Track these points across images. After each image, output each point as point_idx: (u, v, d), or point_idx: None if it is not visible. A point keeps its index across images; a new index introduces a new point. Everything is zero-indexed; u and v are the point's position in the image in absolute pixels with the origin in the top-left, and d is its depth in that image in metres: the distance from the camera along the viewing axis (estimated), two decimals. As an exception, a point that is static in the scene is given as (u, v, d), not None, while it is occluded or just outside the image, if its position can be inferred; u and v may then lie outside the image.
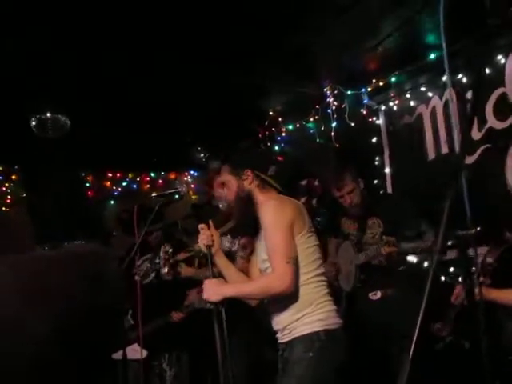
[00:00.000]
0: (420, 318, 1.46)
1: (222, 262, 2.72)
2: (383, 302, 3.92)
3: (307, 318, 2.47)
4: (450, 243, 1.44)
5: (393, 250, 3.64)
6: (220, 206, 2.83)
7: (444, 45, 1.84)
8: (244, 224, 2.78)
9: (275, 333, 2.64)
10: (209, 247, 2.66)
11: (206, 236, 2.67)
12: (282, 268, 2.40)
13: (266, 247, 2.50)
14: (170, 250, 3.03)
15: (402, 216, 3.84)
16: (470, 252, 2.11)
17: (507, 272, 2.60)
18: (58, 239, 5.39)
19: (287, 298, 2.49)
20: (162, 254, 3.04)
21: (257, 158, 2.86)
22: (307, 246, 2.53)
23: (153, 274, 3.12)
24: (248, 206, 2.64)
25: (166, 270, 3.00)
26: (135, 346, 3.53)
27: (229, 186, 2.70)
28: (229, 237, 3.35)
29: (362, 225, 4.06)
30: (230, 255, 3.21)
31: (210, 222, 2.71)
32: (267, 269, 2.57)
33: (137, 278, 2.97)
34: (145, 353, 3.58)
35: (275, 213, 2.48)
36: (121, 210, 5.07)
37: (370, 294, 3.98)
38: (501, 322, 3.24)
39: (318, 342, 2.42)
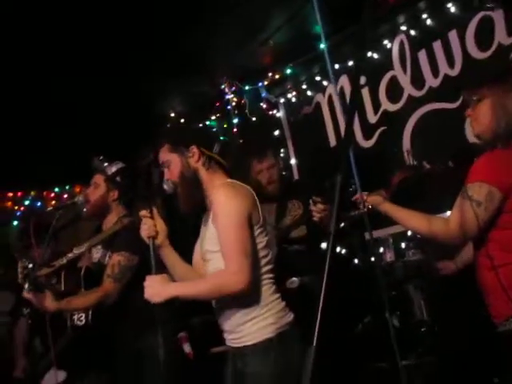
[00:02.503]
0: (321, 304, 1.44)
1: (169, 257, 2.36)
2: (301, 290, 3.77)
3: (259, 320, 2.21)
4: (342, 225, 1.45)
5: (326, 207, 3.40)
6: (165, 187, 2.34)
7: (323, 36, 1.88)
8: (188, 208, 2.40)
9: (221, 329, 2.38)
10: (152, 238, 2.31)
11: (148, 225, 2.31)
12: (238, 264, 2.12)
13: (219, 238, 2.19)
14: (30, 265, 2.67)
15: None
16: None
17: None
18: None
19: (237, 296, 2.20)
20: (19, 269, 2.68)
21: (200, 133, 2.53)
22: (260, 240, 2.27)
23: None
24: (195, 187, 2.32)
25: (26, 287, 2.70)
26: (50, 374, 3.36)
27: (172, 166, 2.35)
28: (100, 247, 3.16)
29: (281, 209, 3.88)
30: (101, 268, 3.02)
31: (154, 209, 2.37)
32: (210, 261, 2.30)
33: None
34: (62, 374, 3.38)
35: (231, 201, 2.18)
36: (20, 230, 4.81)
37: (288, 283, 3.78)
38: (409, 294, 3.36)
39: (273, 352, 2.18)
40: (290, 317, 2.29)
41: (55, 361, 2.99)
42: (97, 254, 3.10)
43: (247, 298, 2.21)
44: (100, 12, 3.75)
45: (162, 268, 2.35)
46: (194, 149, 2.32)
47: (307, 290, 3.80)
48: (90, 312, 2.94)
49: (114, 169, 3.19)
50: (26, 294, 2.68)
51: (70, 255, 2.85)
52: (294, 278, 3.84)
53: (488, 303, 2.18)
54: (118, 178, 3.17)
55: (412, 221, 2.33)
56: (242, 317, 2.23)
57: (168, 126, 3.85)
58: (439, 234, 2.22)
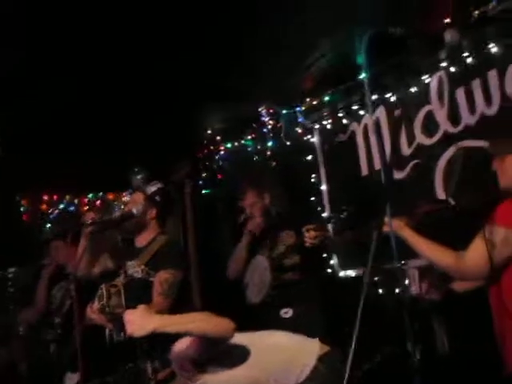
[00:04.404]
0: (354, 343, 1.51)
1: None
2: (294, 320, 3.80)
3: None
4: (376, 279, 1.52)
5: (318, 234, 3.54)
6: None
7: (365, 66, 1.97)
8: None
9: None
10: None
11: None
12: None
13: None
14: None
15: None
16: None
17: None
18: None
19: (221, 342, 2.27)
20: (101, 297, 2.67)
21: None
22: None
23: None
24: None
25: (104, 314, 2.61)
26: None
27: None
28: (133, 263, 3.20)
29: (273, 239, 4.03)
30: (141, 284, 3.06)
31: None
32: None
33: None
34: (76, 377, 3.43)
35: None
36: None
37: (282, 312, 3.88)
38: (433, 327, 3.36)
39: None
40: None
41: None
42: (132, 270, 3.16)
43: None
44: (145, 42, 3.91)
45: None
46: None
47: (301, 320, 3.78)
48: None
49: (153, 188, 3.31)
50: (101, 320, 2.69)
51: (129, 272, 2.91)
52: (288, 308, 3.89)
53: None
54: (157, 198, 3.30)
55: (433, 251, 2.37)
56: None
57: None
58: (453, 268, 2.29)
